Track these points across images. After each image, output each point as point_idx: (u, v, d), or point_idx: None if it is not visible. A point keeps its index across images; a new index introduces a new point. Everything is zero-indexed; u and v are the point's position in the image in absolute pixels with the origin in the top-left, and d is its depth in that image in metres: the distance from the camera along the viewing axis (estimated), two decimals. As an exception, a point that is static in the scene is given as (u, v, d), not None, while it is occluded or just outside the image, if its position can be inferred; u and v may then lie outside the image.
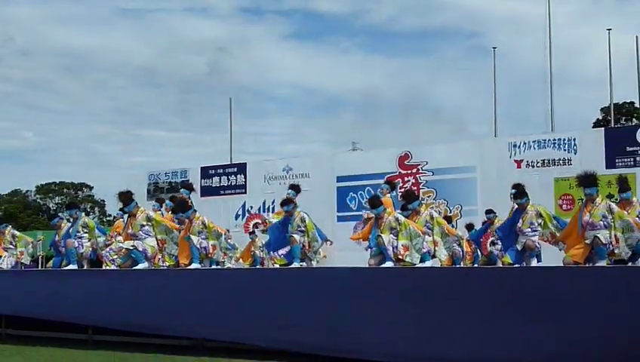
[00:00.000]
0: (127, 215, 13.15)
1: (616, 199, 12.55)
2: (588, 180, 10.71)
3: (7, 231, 15.24)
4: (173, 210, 13.49)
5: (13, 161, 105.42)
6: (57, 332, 13.39)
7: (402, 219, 11.62)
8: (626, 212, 10.88)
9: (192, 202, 14.08)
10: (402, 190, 14.94)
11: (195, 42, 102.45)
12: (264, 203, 21.81)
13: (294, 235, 12.49)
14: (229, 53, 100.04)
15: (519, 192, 12.00)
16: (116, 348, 11.96)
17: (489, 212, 14.81)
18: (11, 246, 15.08)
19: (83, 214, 14.67)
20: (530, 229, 11.48)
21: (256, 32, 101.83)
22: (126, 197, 13.01)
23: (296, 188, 14.35)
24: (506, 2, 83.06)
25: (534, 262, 11.37)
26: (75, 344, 12.70)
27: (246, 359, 10.53)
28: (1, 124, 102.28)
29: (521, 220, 11.58)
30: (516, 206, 11.92)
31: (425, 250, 11.70)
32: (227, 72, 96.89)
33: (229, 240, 13.38)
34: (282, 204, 13.11)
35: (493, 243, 14.77)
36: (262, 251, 17.21)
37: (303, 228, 12.58)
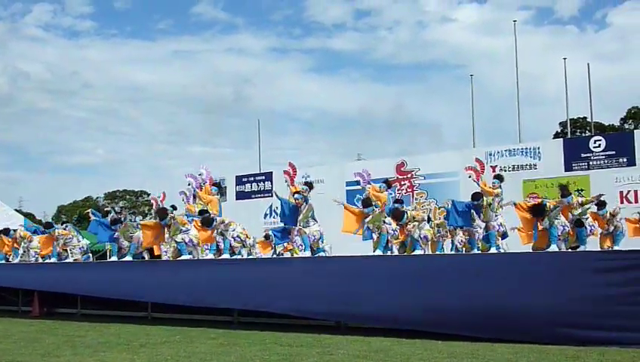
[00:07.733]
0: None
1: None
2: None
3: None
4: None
5: (87, 173, 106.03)
6: (122, 311, 13.44)
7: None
8: None
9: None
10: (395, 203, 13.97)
11: (231, 76, 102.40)
12: (287, 204, 21.77)
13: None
14: (260, 84, 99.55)
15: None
16: (174, 324, 11.85)
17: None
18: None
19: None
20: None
21: (283, 67, 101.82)
22: (162, 213, 12.90)
23: (309, 185, 12.72)
24: (483, 39, 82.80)
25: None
26: (137, 320, 12.73)
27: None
28: (80, 144, 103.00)
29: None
30: None
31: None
32: (254, 99, 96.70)
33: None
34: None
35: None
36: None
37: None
